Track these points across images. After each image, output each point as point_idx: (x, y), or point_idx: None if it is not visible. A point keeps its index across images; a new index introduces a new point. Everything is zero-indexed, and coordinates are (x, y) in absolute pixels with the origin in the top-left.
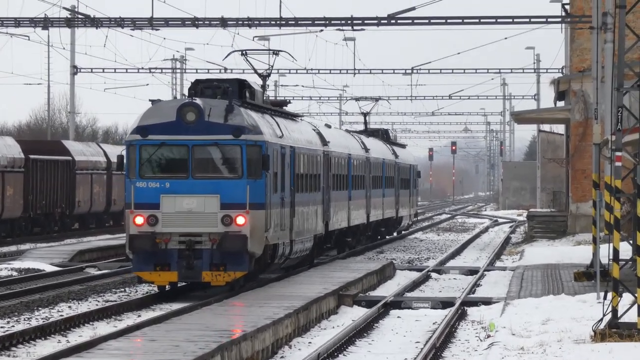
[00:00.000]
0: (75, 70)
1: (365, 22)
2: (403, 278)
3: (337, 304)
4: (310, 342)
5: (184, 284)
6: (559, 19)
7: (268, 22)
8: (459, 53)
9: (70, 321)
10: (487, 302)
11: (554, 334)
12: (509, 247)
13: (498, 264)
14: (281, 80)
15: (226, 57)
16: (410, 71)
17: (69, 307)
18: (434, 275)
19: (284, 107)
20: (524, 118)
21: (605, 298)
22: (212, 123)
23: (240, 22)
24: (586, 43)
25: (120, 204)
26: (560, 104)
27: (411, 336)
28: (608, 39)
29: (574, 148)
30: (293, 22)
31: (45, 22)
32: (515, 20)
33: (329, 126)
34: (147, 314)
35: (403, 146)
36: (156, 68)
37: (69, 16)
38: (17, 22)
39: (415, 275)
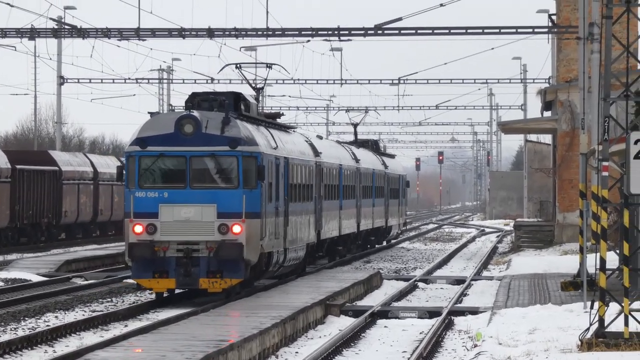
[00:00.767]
0: (62, 80)
1: (352, 32)
2: (390, 288)
3: (324, 313)
4: (297, 352)
5: (181, 290)
6: (546, 30)
7: (255, 33)
8: (445, 63)
9: (56, 331)
10: (474, 311)
11: (541, 344)
12: (496, 257)
13: (485, 273)
14: (268, 90)
15: (220, 70)
16: (397, 81)
17: (56, 317)
18: (420, 284)
19: (278, 119)
20: (511, 128)
21: (592, 307)
22: (209, 135)
23: (227, 33)
24: (573, 53)
25: (107, 214)
26: (547, 114)
27: (398, 346)
28: (595, 49)
29: (561, 158)
30: (280, 33)
31: (32, 33)
32: (502, 30)
33: (320, 137)
34: (133, 324)
35: (392, 156)
36: (143, 78)
37: (56, 27)
38: (4, 33)
39: (402, 285)
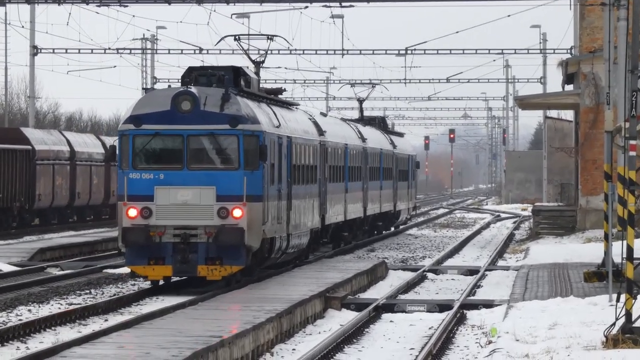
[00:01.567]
0: (35, 50)
1: None
2: (396, 279)
3: (324, 307)
4: (294, 349)
5: (178, 278)
6: None
7: None
8: (457, 32)
9: (30, 326)
10: (489, 304)
11: (562, 340)
12: (513, 245)
13: (500, 263)
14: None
15: (218, 42)
16: (404, 52)
17: (29, 310)
18: (430, 275)
19: (280, 95)
20: (529, 103)
21: (618, 300)
22: (208, 112)
23: None
24: (597, 21)
25: (85, 197)
26: (569, 87)
27: (405, 342)
28: (621, 16)
29: (584, 136)
30: None
31: None
32: None
33: (324, 114)
34: (114, 318)
35: (401, 135)
36: (124, 48)
37: None
38: None
39: (409, 275)
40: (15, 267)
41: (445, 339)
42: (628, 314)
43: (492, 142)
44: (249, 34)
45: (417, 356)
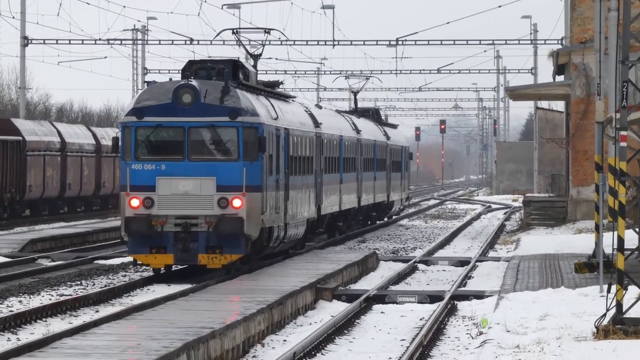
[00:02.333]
0: (26, 41)
1: None
2: (387, 270)
3: (315, 298)
4: (285, 340)
5: (179, 267)
6: None
7: None
8: (448, 23)
9: (21, 317)
10: (480, 295)
11: (553, 331)
12: (503, 236)
13: (491, 254)
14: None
15: (217, 35)
16: (394, 42)
17: (20, 301)
18: (421, 266)
19: (277, 88)
20: (520, 94)
21: (608, 291)
22: (208, 105)
23: None
24: (588, 11)
25: (76, 188)
26: (560, 78)
27: (396, 333)
28: (612, 6)
29: (575, 127)
30: None
31: None
32: None
33: (319, 107)
34: (105, 309)
35: (394, 126)
36: (115, 39)
37: None
38: None
39: (400, 266)
40: (6, 258)
41: (436, 330)
42: (619, 305)
43: (483, 133)
44: (248, 27)
45: (408, 347)
